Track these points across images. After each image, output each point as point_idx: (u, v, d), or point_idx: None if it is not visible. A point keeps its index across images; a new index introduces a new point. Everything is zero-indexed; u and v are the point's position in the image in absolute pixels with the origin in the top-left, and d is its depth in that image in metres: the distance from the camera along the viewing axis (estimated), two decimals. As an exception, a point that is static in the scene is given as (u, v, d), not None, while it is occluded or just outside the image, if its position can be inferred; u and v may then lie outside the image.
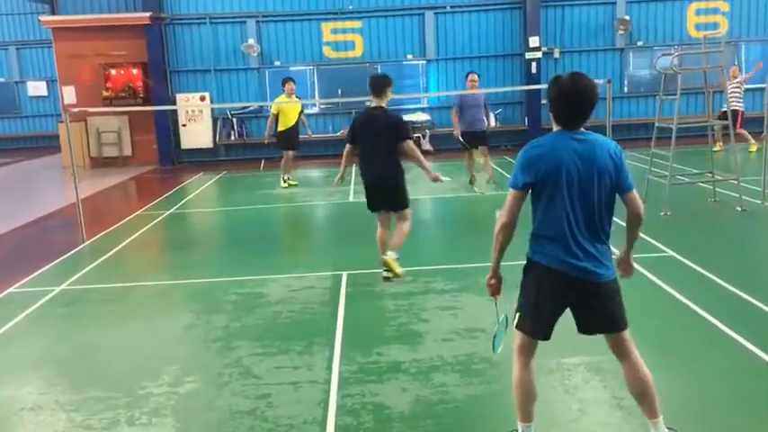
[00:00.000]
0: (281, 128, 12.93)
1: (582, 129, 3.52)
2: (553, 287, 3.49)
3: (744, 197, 9.41)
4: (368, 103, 7.06)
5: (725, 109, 14.24)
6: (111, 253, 8.75)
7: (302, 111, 13.28)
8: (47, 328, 6.19)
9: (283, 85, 12.95)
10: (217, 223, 11.39)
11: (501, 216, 3.52)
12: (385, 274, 6.81)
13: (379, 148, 6.70)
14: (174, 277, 7.86)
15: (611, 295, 3.54)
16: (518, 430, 3.70)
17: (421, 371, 4.77)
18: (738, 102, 15.01)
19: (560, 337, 5.23)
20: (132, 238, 9.67)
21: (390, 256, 6.78)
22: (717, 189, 10.01)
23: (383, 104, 6.81)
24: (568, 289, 3.48)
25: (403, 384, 4.60)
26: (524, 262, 3.61)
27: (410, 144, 6.74)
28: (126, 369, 5.12)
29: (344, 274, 7.18)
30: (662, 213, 9.19)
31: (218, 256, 8.95)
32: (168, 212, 11.62)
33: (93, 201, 13.12)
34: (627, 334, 3.61)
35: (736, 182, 9.53)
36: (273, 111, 12.98)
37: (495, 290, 3.70)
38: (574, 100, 3.45)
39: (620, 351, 3.62)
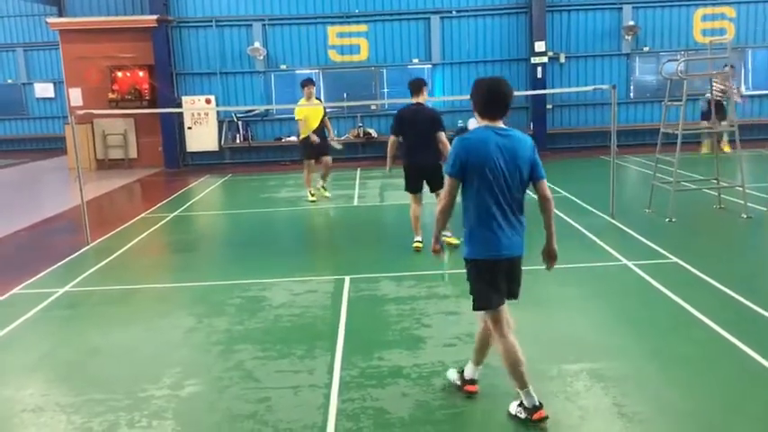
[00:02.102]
0: (303, 134, 11.96)
1: (503, 124, 4.02)
2: (491, 272, 4.03)
3: (749, 204, 9.38)
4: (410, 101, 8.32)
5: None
6: (116, 255, 8.77)
7: (326, 113, 12.29)
8: (50, 330, 6.20)
9: (302, 87, 12.00)
10: (221, 226, 11.40)
11: (441, 199, 4.11)
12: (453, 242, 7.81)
13: (423, 137, 7.94)
14: (177, 280, 7.87)
15: (521, 266, 4.15)
16: (522, 398, 4.06)
17: (422, 376, 4.76)
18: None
19: (562, 344, 5.23)
20: (137, 240, 9.69)
21: (449, 236, 7.74)
22: (722, 196, 9.97)
23: (421, 101, 8.08)
24: (502, 267, 4.04)
25: (404, 389, 4.59)
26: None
27: (442, 135, 7.94)
28: (127, 372, 5.12)
29: (347, 279, 7.17)
30: (666, 219, 9.17)
31: (222, 259, 8.95)
32: (173, 215, 11.64)
33: (98, 203, 13.16)
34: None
35: (741, 189, 9.50)
36: (299, 116, 11.92)
37: (439, 254, 4.34)
38: (498, 96, 3.99)
39: (507, 315, 4.12)
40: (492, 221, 3.95)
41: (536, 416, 3.99)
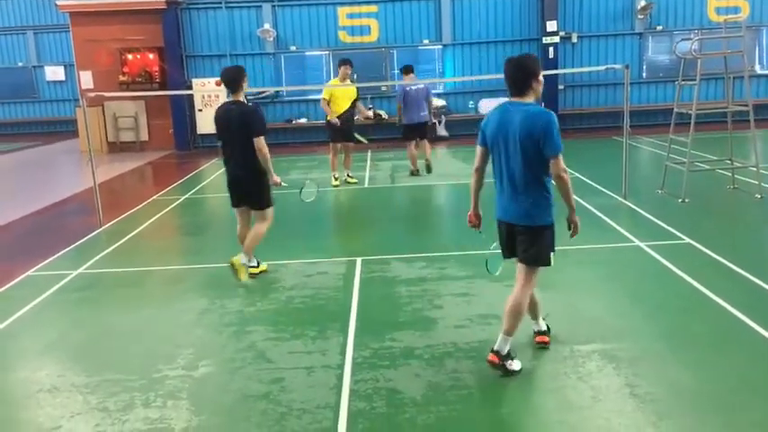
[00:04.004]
0: (329, 116, 11.64)
1: (524, 100, 4.28)
2: (499, 230, 4.58)
3: (763, 184, 9.30)
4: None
5: None
6: (128, 237, 8.81)
7: (358, 97, 11.89)
8: (63, 312, 6.26)
9: (339, 67, 11.71)
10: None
11: (473, 164, 4.58)
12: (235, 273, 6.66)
13: (235, 143, 6.55)
14: (189, 262, 7.91)
15: (533, 237, 4.36)
16: (505, 343, 4.41)
17: (434, 357, 4.77)
18: None
19: (575, 324, 5.23)
20: (148, 222, 9.73)
21: (240, 259, 6.65)
22: (735, 176, 9.90)
23: (239, 98, 6.63)
24: (503, 229, 4.52)
25: (416, 370, 4.60)
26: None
27: (260, 141, 6.44)
28: (141, 352, 5.16)
29: (359, 260, 7.19)
30: (679, 200, 9.11)
31: (233, 241, 8.92)
32: (184, 197, 11.68)
33: (110, 185, 13.21)
34: (534, 269, 4.46)
35: (755, 169, 9.41)
36: (324, 96, 11.61)
37: (473, 224, 4.72)
38: (506, 74, 4.34)
39: (521, 278, 4.47)
40: (498, 187, 4.47)
41: (539, 339, 4.80)
